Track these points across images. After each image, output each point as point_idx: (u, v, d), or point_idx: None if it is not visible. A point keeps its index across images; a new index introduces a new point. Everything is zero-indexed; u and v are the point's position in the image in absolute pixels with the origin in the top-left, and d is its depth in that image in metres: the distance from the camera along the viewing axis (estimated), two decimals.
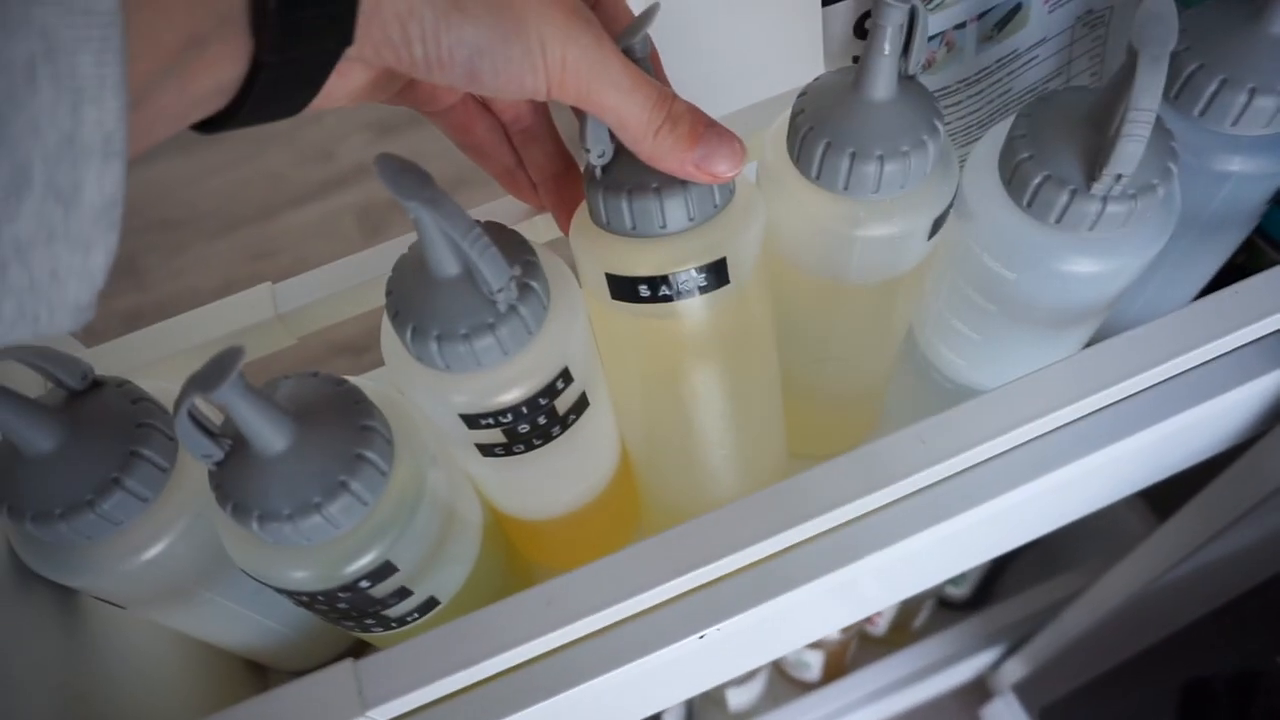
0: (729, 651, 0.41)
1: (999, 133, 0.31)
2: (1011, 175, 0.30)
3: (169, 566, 0.30)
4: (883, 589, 0.44)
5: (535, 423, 0.31)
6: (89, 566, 0.29)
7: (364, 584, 0.29)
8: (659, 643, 0.36)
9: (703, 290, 0.30)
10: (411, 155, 0.25)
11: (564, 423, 0.32)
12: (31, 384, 0.35)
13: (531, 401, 0.30)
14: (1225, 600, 0.57)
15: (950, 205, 0.31)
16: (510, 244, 0.29)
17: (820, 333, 0.38)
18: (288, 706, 0.29)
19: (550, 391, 0.30)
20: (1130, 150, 0.26)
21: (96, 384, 0.30)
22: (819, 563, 0.37)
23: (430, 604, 0.33)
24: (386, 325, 0.30)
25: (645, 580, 0.29)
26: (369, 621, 0.32)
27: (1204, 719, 0.65)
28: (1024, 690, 0.94)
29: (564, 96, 0.25)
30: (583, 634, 0.30)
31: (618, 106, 0.25)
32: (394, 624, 0.33)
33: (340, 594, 0.29)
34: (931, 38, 0.37)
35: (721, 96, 0.42)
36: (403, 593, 0.31)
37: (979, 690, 1.06)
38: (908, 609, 0.95)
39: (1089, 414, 0.38)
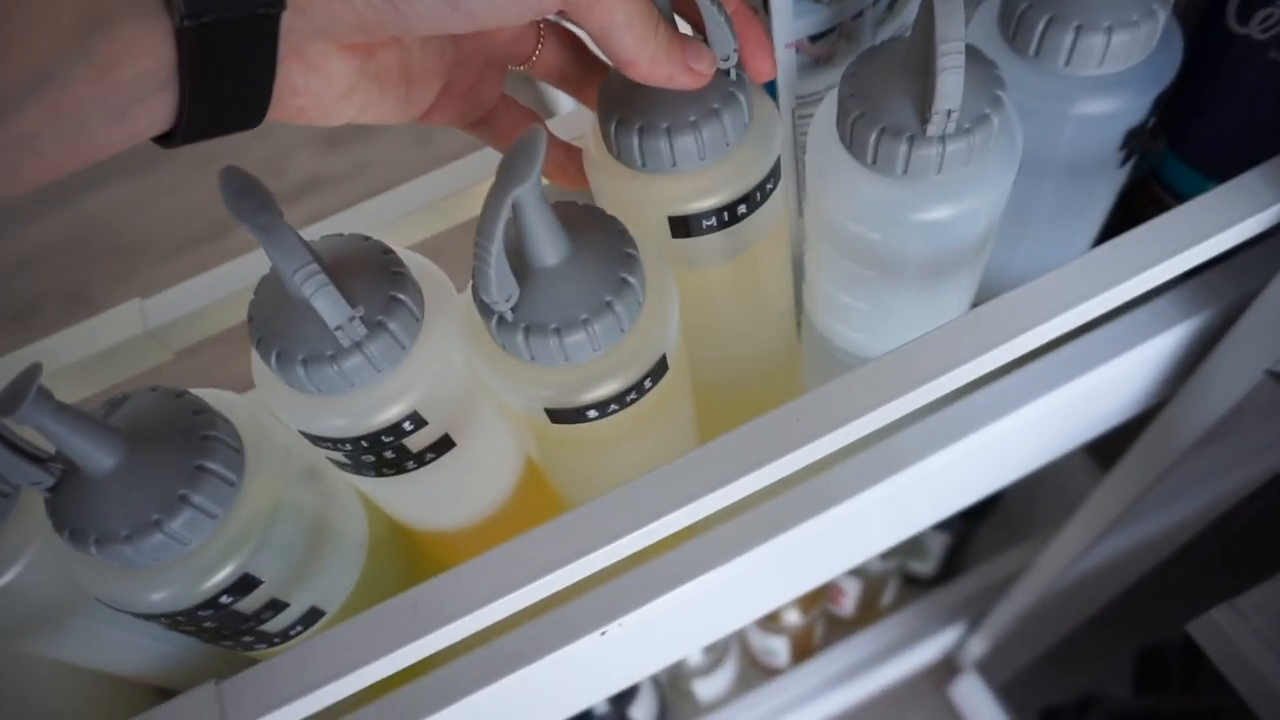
0: (636, 649, 0.40)
1: (832, 98, 0.31)
2: (850, 136, 0.29)
3: (25, 594, 0.29)
4: (780, 578, 0.43)
5: (381, 456, 0.30)
6: None
7: (226, 599, 0.28)
8: (552, 644, 0.36)
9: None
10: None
11: (420, 459, 0.31)
12: None
13: (372, 438, 0.29)
14: (1165, 558, 0.57)
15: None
16: (378, 275, 0.28)
17: (699, 317, 0.37)
18: None
19: (396, 431, 0.29)
20: (951, 83, 0.26)
21: None
22: (720, 549, 0.36)
23: (314, 615, 0.32)
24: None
25: (514, 580, 0.28)
26: (247, 639, 0.31)
27: (1158, 685, 0.64)
28: (985, 667, 0.94)
29: (573, 12, 0.25)
30: (454, 639, 0.28)
31: (623, 7, 0.25)
32: (277, 639, 0.32)
33: (202, 612, 0.28)
34: (828, 32, 0.36)
35: None
36: (276, 605, 0.30)
37: (949, 668, 1.05)
38: (873, 588, 0.95)
39: (986, 380, 0.37)
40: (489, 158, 0.41)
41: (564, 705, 0.43)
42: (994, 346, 0.30)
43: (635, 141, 0.30)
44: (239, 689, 0.28)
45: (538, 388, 0.29)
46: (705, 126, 0.29)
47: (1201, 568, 0.55)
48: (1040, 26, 0.30)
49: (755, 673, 1.01)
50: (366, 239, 0.29)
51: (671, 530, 0.30)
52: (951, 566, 0.98)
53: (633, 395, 0.29)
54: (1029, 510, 0.92)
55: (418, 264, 0.31)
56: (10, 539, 0.28)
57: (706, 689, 0.92)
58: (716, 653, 0.86)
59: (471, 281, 0.28)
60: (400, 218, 0.40)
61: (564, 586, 0.29)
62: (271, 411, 0.29)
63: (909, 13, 0.38)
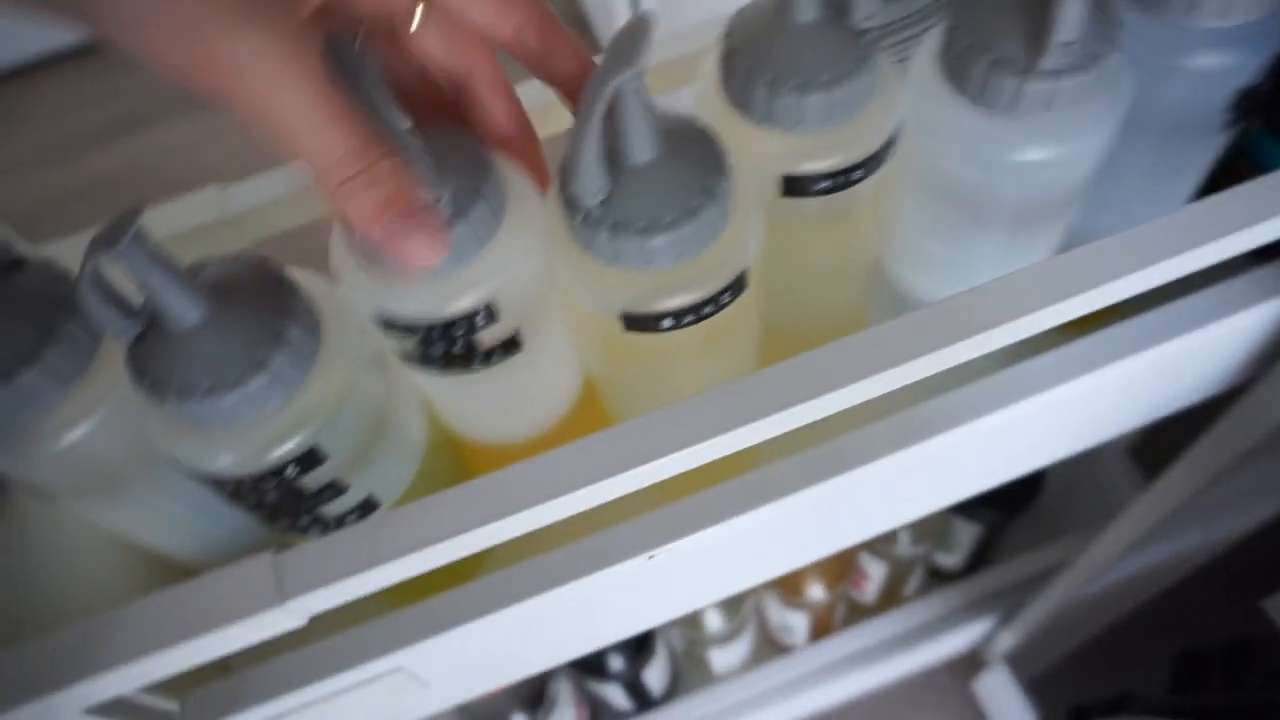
0: (677, 580, 0.40)
1: (936, 33, 0.30)
2: (956, 68, 0.29)
3: (93, 452, 0.30)
4: (853, 518, 0.43)
5: (450, 350, 0.30)
6: (7, 448, 0.29)
7: (291, 471, 0.28)
8: (604, 560, 0.36)
9: None
10: None
11: (486, 358, 0.31)
12: None
13: (444, 327, 0.29)
14: (1211, 559, 0.56)
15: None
16: (465, 165, 0.28)
17: (788, 263, 0.37)
18: (205, 594, 0.28)
19: (469, 323, 0.29)
20: (1073, 12, 0.25)
21: (17, 263, 0.29)
22: (772, 486, 0.36)
23: (369, 505, 0.32)
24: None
25: (578, 479, 0.28)
26: (304, 520, 0.31)
27: (1198, 688, 0.63)
28: (1015, 660, 0.93)
29: (227, 100, 0.20)
30: (513, 533, 0.28)
31: (299, 136, 0.20)
32: (332, 524, 0.32)
33: (267, 482, 0.28)
34: None
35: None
36: (336, 487, 0.30)
37: (972, 663, 1.04)
38: (897, 575, 0.94)
39: (1059, 340, 0.36)
40: None
41: (600, 633, 0.44)
42: (1070, 296, 0.29)
43: (762, 94, 0.29)
44: (296, 560, 0.28)
45: (617, 291, 0.28)
46: (838, 87, 0.28)
47: (1248, 571, 0.54)
48: None
49: (769, 649, 1.01)
50: (458, 132, 0.29)
51: (733, 448, 0.30)
52: (977, 561, 0.97)
53: (709, 308, 0.29)
54: (1064, 508, 0.90)
55: (504, 164, 0.31)
56: (84, 395, 0.29)
57: (722, 658, 0.92)
58: (737, 622, 0.86)
59: (558, 178, 0.28)
60: None
61: (619, 495, 0.29)
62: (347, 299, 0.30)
63: None
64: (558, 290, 0.31)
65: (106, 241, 0.22)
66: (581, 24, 1.62)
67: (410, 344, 0.30)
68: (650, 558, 0.36)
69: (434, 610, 0.36)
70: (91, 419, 0.29)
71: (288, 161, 0.22)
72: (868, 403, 0.30)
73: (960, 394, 0.37)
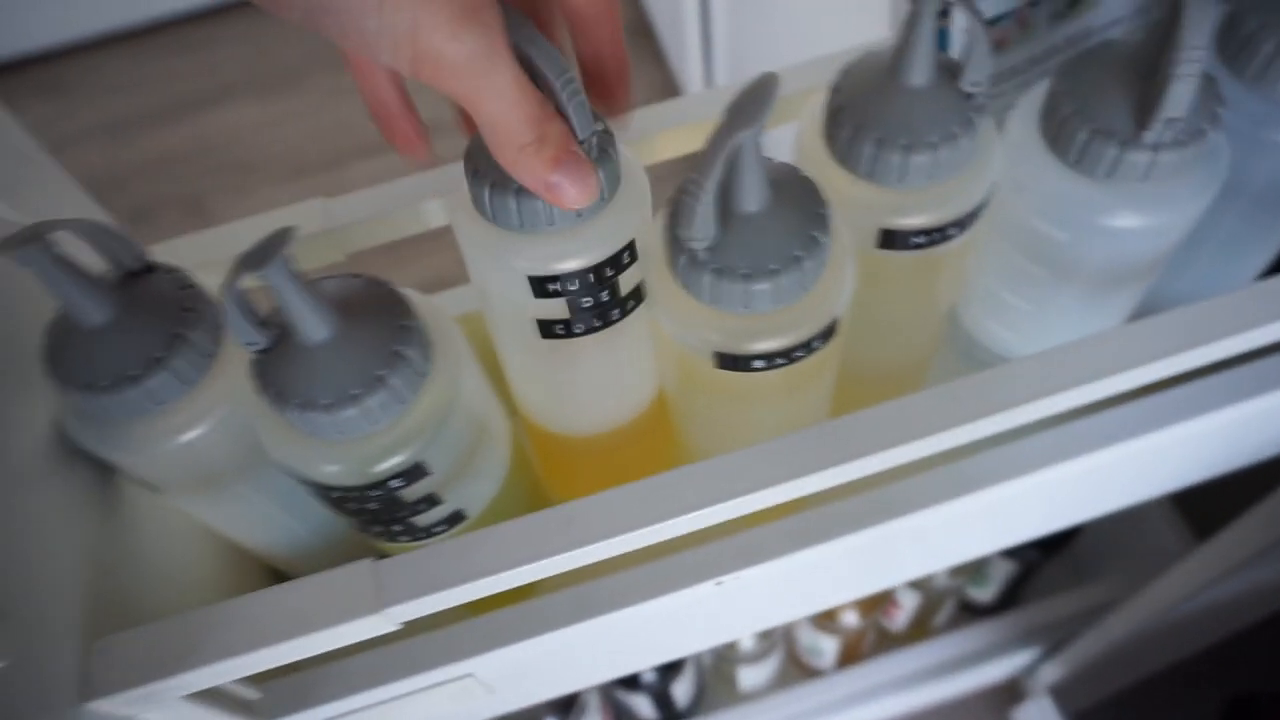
0: (738, 606, 0.41)
1: (1036, 95, 0.31)
2: (1056, 132, 0.29)
3: (205, 452, 0.31)
4: (911, 556, 0.44)
5: (598, 298, 0.31)
6: (129, 443, 0.30)
7: (395, 484, 0.29)
8: (674, 584, 0.37)
9: None
10: None
11: (623, 306, 0.32)
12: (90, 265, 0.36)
13: (598, 270, 0.30)
14: (1271, 613, 0.56)
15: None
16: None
17: (870, 309, 0.38)
18: (307, 596, 0.30)
19: (616, 264, 0.30)
20: (1182, 91, 0.26)
21: (150, 268, 0.31)
22: (853, 517, 0.37)
23: (457, 517, 0.34)
24: (462, 194, 0.30)
25: (669, 509, 0.29)
26: (397, 529, 0.33)
27: None
28: (1060, 693, 0.93)
29: (438, 86, 0.25)
30: (602, 557, 0.30)
31: (494, 113, 0.25)
32: (421, 534, 0.33)
33: (371, 493, 0.30)
34: (1004, 16, 0.36)
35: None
36: (432, 500, 0.31)
37: (1006, 693, 1.04)
38: (930, 605, 0.94)
39: (1133, 394, 0.37)
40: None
41: (657, 651, 0.45)
42: (1144, 363, 0.30)
43: (868, 151, 0.30)
44: (395, 569, 0.30)
45: (713, 330, 0.29)
46: (943, 149, 0.29)
47: None
48: (1269, 49, 0.30)
49: (795, 671, 1.01)
50: None
51: (822, 486, 0.31)
52: (1011, 597, 0.97)
53: (800, 352, 0.30)
54: (1102, 549, 0.90)
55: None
56: (205, 396, 0.30)
57: (749, 677, 0.93)
58: (768, 643, 0.87)
59: (666, 217, 0.30)
60: None
61: (707, 526, 0.30)
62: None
63: (1093, 16, 0.38)
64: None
65: (256, 261, 0.24)
66: (648, 34, 1.64)
67: (562, 303, 0.31)
68: (718, 584, 0.37)
69: (507, 621, 0.37)
70: (207, 421, 0.30)
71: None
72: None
73: (1026, 445, 0.38)
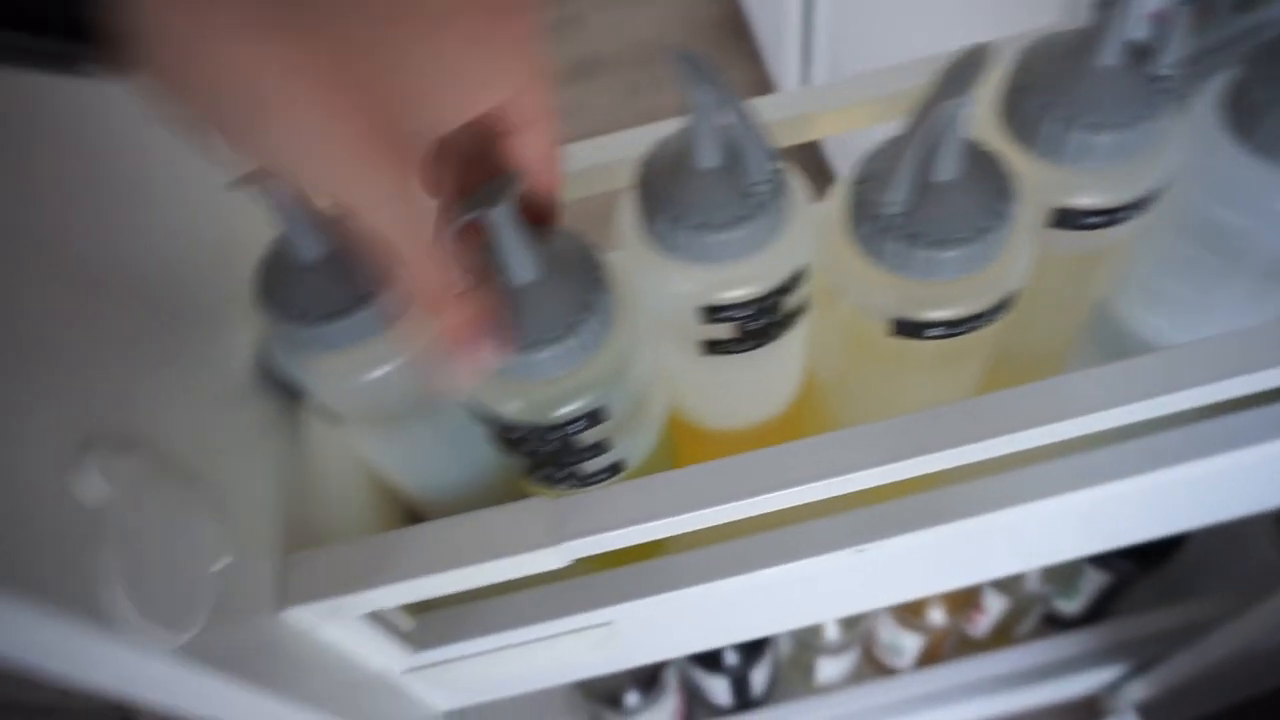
0: (881, 575, 0.42)
1: (1219, 82, 0.31)
2: (1244, 120, 0.30)
3: (390, 388, 0.33)
4: (1028, 546, 0.44)
5: (767, 321, 0.32)
6: (328, 374, 0.32)
7: (575, 426, 0.31)
8: (818, 548, 0.38)
9: None
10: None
11: (788, 323, 0.33)
12: None
13: (766, 298, 0.31)
14: None
15: None
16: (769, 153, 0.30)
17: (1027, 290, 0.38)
18: (487, 527, 0.31)
19: (785, 290, 0.31)
20: None
21: None
22: (998, 495, 0.37)
23: (617, 468, 0.35)
24: (629, 209, 0.32)
25: (846, 465, 0.30)
26: (563, 473, 0.34)
27: None
28: (1147, 712, 0.91)
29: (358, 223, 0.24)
30: (774, 508, 0.31)
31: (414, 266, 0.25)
32: (584, 481, 0.35)
33: (551, 434, 0.31)
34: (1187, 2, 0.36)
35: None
36: (601, 447, 0.33)
37: (1085, 709, 1.02)
38: (1015, 613, 0.93)
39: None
40: None
41: (782, 619, 0.46)
42: None
43: (1051, 128, 0.30)
44: (572, 507, 0.31)
45: (892, 296, 0.30)
46: (1130, 130, 0.30)
47: None
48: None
49: (870, 669, 1.01)
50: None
51: (976, 458, 0.31)
52: (1096, 610, 0.96)
53: (975, 323, 0.31)
54: (1201, 568, 0.88)
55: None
56: (395, 337, 0.32)
57: (827, 669, 0.93)
58: (851, 635, 0.87)
59: (852, 186, 0.31)
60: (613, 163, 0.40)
61: (873, 485, 0.31)
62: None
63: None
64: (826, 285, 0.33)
65: (486, 201, 0.25)
66: (742, 32, 1.64)
67: (729, 327, 0.32)
68: (860, 551, 0.38)
69: (649, 574, 0.38)
70: (399, 359, 0.32)
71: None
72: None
73: (1148, 442, 0.38)
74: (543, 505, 0.31)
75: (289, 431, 0.36)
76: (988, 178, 0.29)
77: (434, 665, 0.40)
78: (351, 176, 0.22)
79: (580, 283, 0.29)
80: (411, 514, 0.49)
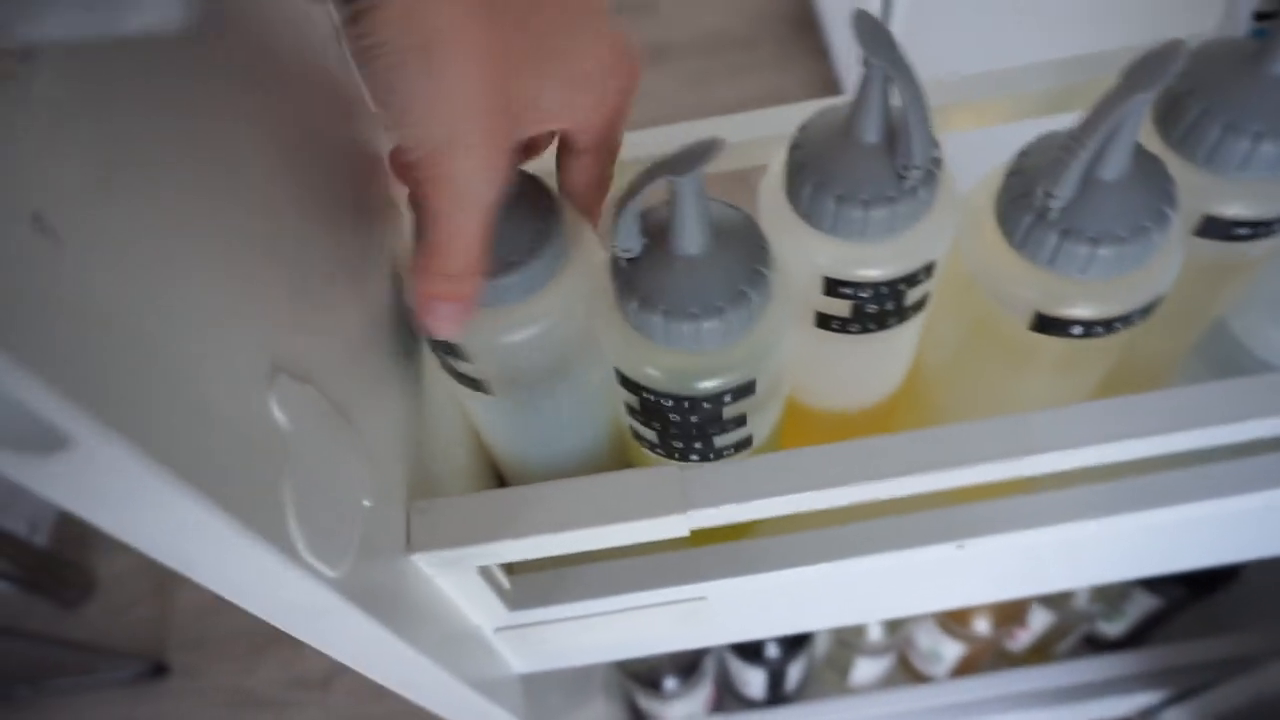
0: (977, 571, 0.42)
1: None
2: None
3: (525, 353, 0.33)
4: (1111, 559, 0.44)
5: (883, 306, 0.32)
6: (465, 335, 0.32)
7: (728, 398, 0.31)
8: (917, 540, 0.38)
9: None
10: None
11: (902, 316, 0.33)
12: None
13: (893, 283, 0.31)
14: None
15: None
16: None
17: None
18: (614, 490, 0.32)
19: (911, 280, 0.31)
20: None
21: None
22: (1110, 501, 0.37)
23: (745, 443, 0.35)
24: (775, 173, 0.32)
25: (977, 455, 0.30)
26: (697, 445, 0.34)
27: None
28: None
29: (422, 186, 0.25)
30: (903, 493, 0.31)
31: (450, 241, 0.26)
32: (711, 454, 0.35)
33: (704, 404, 0.31)
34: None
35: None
36: (739, 421, 0.33)
37: None
38: (1057, 631, 0.93)
39: None
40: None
41: (863, 610, 0.46)
42: None
43: (1213, 135, 0.30)
44: (700, 476, 0.31)
45: (1040, 291, 0.30)
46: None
47: None
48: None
49: (903, 675, 1.01)
50: None
51: (1096, 461, 0.31)
52: (1139, 634, 0.95)
53: (1119, 324, 0.31)
54: (1253, 600, 0.87)
55: None
56: (541, 303, 0.31)
57: (864, 670, 0.93)
58: (894, 638, 0.87)
59: (1009, 178, 0.30)
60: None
61: (1001, 479, 0.31)
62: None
63: None
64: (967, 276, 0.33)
65: (678, 167, 0.25)
66: (810, 26, 1.63)
67: (846, 305, 0.32)
68: (960, 547, 0.38)
69: (749, 551, 0.38)
70: (538, 324, 0.32)
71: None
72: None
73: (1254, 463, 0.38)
74: (674, 473, 0.31)
75: (412, 381, 0.37)
76: (1150, 178, 0.29)
77: (526, 626, 0.40)
78: (471, 145, 0.25)
79: (746, 256, 0.29)
80: (499, 478, 0.49)
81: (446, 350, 0.33)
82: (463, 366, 0.34)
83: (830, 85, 1.58)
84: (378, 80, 0.23)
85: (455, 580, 0.35)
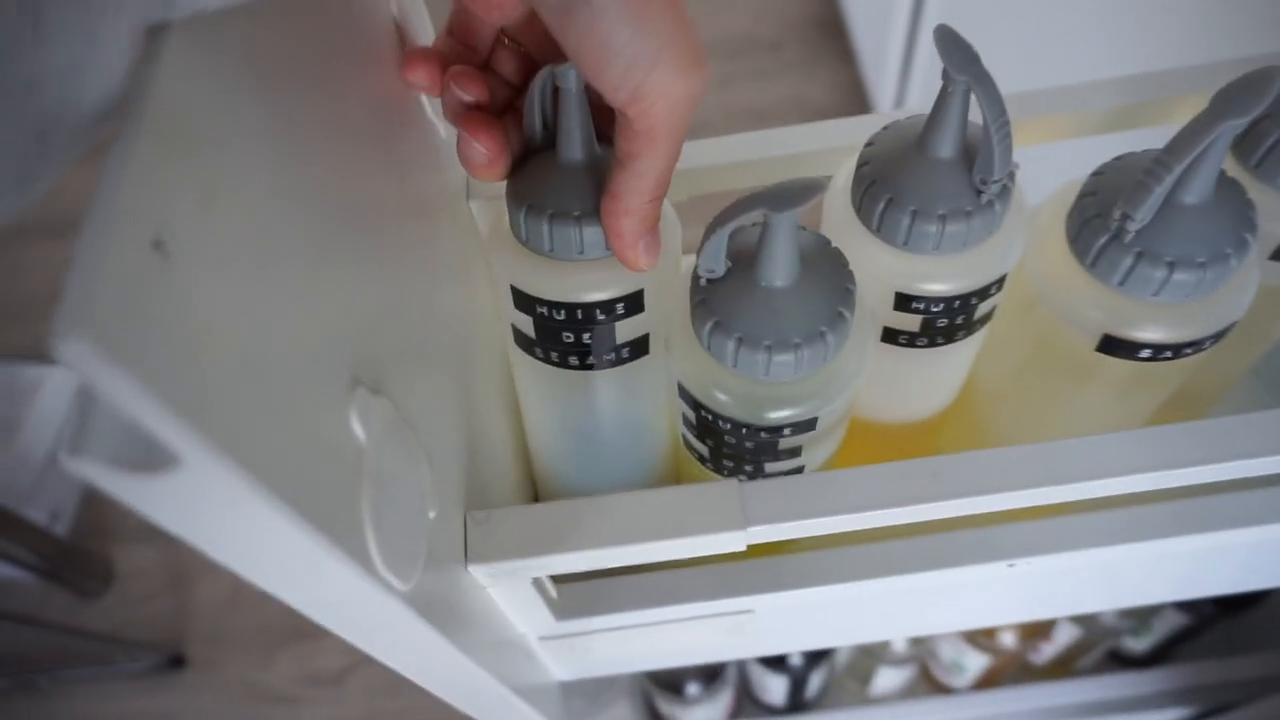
0: (1028, 589, 0.42)
1: None
2: None
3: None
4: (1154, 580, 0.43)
5: (953, 320, 0.32)
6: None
7: (787, 430, 0.31)
8: (968, 558, 0.37)
9: None
10: None
11: (970, 329, 0.33)
12: None
13: (965, 297, 0.31)
14: None
15: None
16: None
17: None
18: (673, 504, 0.31)
19: (983, 293, 0.31)
20: None
21: None
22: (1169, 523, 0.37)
23: (795, 472, 0.35)
24: (844, 183, 0.32)
25: (1036, 477, 0.30)
26: (748, 468, 0.34)
27: None
28: None
29: (635, 120, 0.25)
30: (962, 513, 0.31)
31: (654, 168, 0.27)
32: (760, 479, 0.35)
33: (763, 433, 0.31)
34: None
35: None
36: (793, 453, 0.33)
37: None
38: (1081, 646, 0.92)
39: None
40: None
41: (908, 625, 0.45)
42: None
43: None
44: (759, 492, 0.31)
45: (1111, 313, 0.30)
46: None
47: None
48: None
49: (923, 686, 1.00)
50: None
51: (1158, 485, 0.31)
52: (1162, 652, 0.94)
53: (1189, 350, 0.30)
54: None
55: None
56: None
57: (886, 679, 0.92)
58: (918, 649, 0.86)
59: (1082, 200, 0.30)
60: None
61: (1061, 501, 0.31)
62: None
63: None
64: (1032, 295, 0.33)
65: (776, 203, 0.25)
66: (838, 30, 1.62)
67: (916, 319, 0.32)
68: (1011, 565, 0.37)
69: (798, 566, 0.38)
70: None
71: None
72: None
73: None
74: (733, 488, 0.31)
75: (467, 386, 0.36)
76: (1230, 203, 0.29)
77: (571, 635, 0.40)
78: (679, 53, 0.24)
79: (831, 296, 0.29)
80: (534, 493, 0.49)
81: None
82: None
83: (856, 90, 1.57)
84: (572, 21, 0.23)
85: (507, 590, 0.35)
